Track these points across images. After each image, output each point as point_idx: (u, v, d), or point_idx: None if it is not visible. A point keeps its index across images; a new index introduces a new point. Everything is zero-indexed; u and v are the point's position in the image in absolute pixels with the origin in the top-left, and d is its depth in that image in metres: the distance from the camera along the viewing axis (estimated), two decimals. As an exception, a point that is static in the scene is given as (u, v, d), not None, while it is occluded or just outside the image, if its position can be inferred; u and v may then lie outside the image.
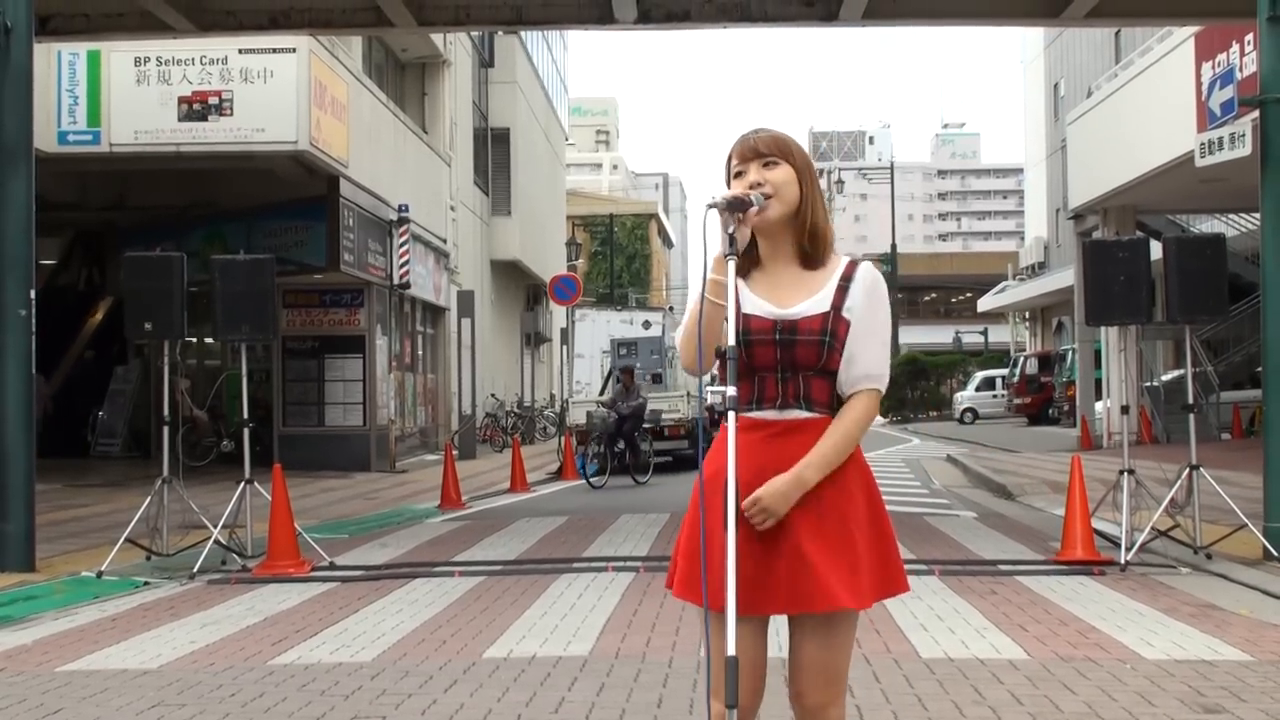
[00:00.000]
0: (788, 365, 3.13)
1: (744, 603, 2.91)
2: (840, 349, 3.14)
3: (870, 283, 3.19)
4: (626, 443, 20.15)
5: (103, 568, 9.78)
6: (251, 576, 9.91)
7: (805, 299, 3.16)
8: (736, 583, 2.83)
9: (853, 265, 3.22)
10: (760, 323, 3.12)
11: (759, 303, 3.14)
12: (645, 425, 20.86)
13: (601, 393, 25.10)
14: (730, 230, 3.05)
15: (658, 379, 24.36)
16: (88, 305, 25.63)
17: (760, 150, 3.19)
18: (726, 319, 3.04)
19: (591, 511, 15.04)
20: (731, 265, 3.05)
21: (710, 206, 3.05)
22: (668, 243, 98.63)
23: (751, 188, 3.14)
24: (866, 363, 3.17)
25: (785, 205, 3.17)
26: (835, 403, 3.18)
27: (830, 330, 3.13)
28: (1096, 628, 7.27)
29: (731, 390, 2.95)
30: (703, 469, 3.15)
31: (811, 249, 3.20)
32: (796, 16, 15.33)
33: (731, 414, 2.95)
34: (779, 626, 3.28)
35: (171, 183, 21.54)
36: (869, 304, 3.18)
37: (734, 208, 3.06)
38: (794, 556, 3.07)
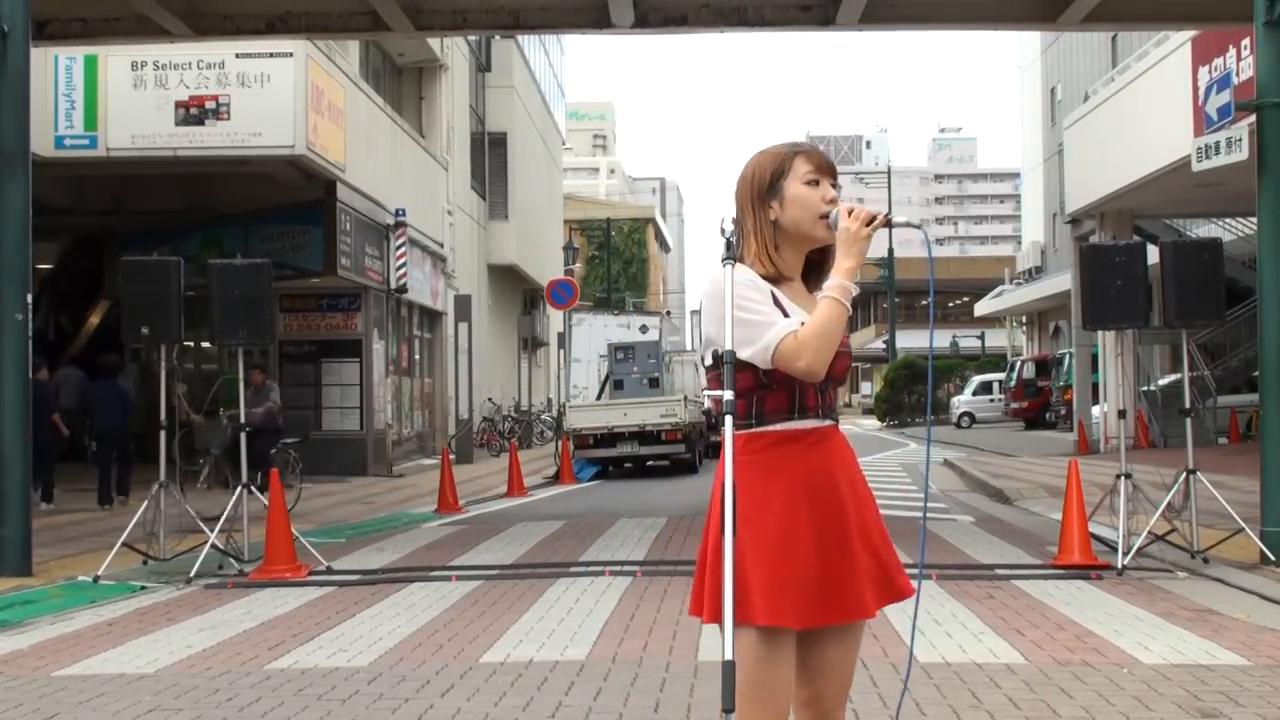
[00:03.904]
0: (828, 375, 3.15)
1: (835, 611, 3.08)
2: None
3: None
4: (252, 461, 15.49)
5: (99, 572, 9.77)
6: (248, 581, 9.90)
7: None
8: (808, 593, 3.01)
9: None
10: None
11: (800, 314, 3.12)
12: (290, 440, 16.17)
13: (599, 397, 25.07)
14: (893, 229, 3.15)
15: (654, 383, 24.36)
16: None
17: (834, 170, 3.25)
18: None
19: (589, 515, 15.04)
20: (730, 270, 3.04)
21: (918, 225, 3.25)
22: (665, 247, 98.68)
23: (829, 202, 3.18)
24: None
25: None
26: None
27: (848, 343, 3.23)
28: (1094, 632, 7.27)
29: (729, 395, 2.95)
30: (733, 488, 2.92)
31: (825, 271, 3.22)
32: (793, 20, 15.34)
33: (729, 418, 2.94)
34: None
35: (169, 187, 21.53)
36: None
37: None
38: (864, 557, 3.13)
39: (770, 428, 3.10)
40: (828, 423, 3.17)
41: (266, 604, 8.89)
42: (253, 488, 14.66)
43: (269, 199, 20.99)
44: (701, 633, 7.09)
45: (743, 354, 3.05)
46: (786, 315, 3.08)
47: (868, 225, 3.09)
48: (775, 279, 3.16)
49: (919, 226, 3.23)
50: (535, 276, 39.89)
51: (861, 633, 3.24)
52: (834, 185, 3.21)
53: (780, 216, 3.18)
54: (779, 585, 3.02)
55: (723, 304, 3.05)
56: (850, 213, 3.11)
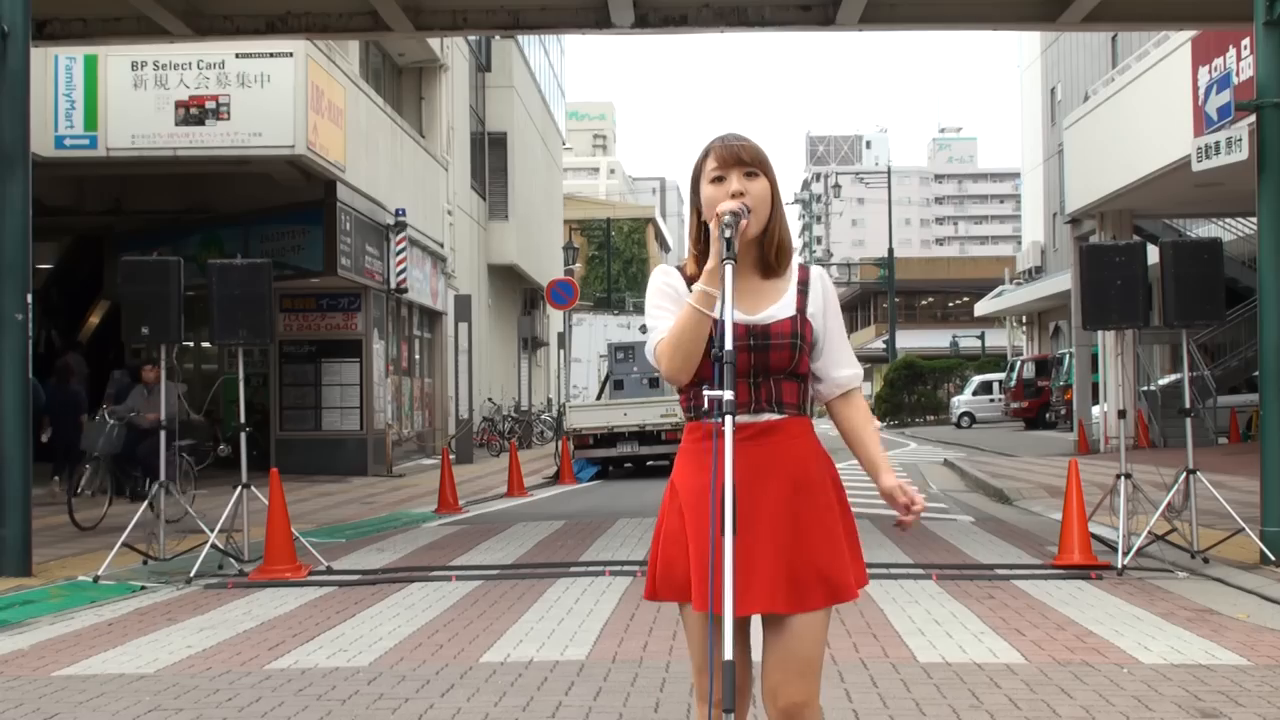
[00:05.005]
0: (760, 369, 3.17)
1: (738, 603, 2.97)
2: (808, 351, 3.23)
3: (826, 287, 3.32)
4: (144, 467, 14.04)
5: (99, 572, 9.77)
6: (248, 581, 9.90)
7: (770, 305, 3.21)
8: (734, 584, 2.89)
9: (804, 270, 3.31)
10: (734, 329, 3.10)
11: (729, 309, 3.13)
12: (184, 444, 14.37)
13: (599, 397, 25.06)
14: (728, 236, 3.05)
15: (654, 383, 24.33)
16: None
17: (743, 159, 3.19)
18: (721, 323, 3.04)
19: (588, 515, 15.05)
20: (729, 270, 3.04)
21: (728, 224, 3.05)
22: (665, 247, 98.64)
23: (734, 196, 3.15)
24: (850, 362, 3.33)
25: (760, 219, 3.21)
26: (804, 403, 3.24)
27: (799, 333, 3.20)
28: (1094, 632, 7.27)
29: (729, 394, 2.95)
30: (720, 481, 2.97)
31: (777, 261, 3.24)
32: (794, 21, 15.34)
33: (729, 418, 2.94)
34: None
35: (168, 187, 21.54)
36: (830, 308, 3.30)
37: (738, 218, 3.10)
38: (785, 554, 3.11)
39: (704, 420, 3.18)
40: (768, 417, 3.17)
41: (266, 604, 8.89)
42: (139, 491, 13.92)
43: (269, 199, 20.99)
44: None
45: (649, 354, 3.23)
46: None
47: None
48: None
49: (730, 226, 3.12)
50: (535, 276, 39.89)
51: (813, 629, 3.16)
52: (752, 175, 3.17)
53: (706, 217, 3.20)
54: (681, 568, 3.13)
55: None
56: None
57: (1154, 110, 21.76)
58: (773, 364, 3.17)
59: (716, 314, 3.06)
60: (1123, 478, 10.13)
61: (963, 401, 49.22)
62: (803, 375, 3.24)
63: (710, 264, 3.06)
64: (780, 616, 3.15)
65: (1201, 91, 19.12)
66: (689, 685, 6.03)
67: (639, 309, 57.40)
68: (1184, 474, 10.21)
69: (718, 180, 3.19)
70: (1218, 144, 13.02)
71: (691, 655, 3.19)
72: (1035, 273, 46.99)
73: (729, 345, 2.98)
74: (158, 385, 14.34)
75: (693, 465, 3.21)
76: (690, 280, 3.21)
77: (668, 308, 3.21)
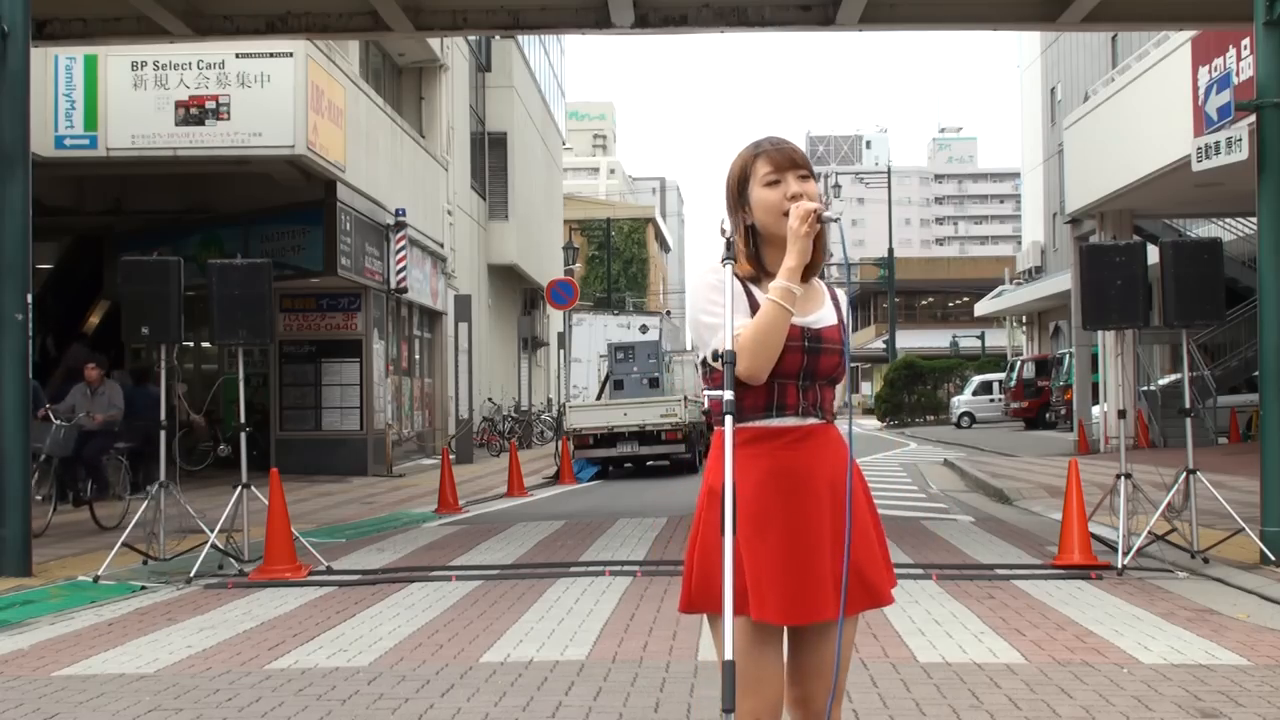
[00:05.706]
0: (809, 373, 3.16)
1: (799, 611, 3.05)
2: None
3: (847, 304, 3.34)
4: (88, 470, 14.11)
5: (99, 572, 9.77)
6: (248, 581, 9.91)
7: (816, 310, 3.21)
8: (790, 591, 3.03)
9: (829, 286, 3.33)
10: (791, 330, 3.11)
11: (729, 310, 3.13)
12: (122, 445, 14.46)
13: (599, 397, 25.06)
14: (818, 236, 3.12)
15: (654, 383, 24.35)
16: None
17: (797, 162, 3.20)
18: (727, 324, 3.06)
19: (588, 515, 15.05)
20: (729, 270, 3.05)
21: (835, 221, 3.12)
22: (665, 247, 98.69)
23: (793, 198, 3.15)
24: None
25: None
26: (833, 410, 3.25)
27: (845, 341, 3.22)
28: (1094, 632, 7.27)
29: (729, 394, 2.95)
30: (728, 482, 2.95)
31: (813, 265, 3.22)
32: (794, 21, 15.35)
33: (729, 418, 2.94)
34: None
35: (168, 187, 21.54)
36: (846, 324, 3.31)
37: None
38: (834, 558, 3.12)
39: (747, 424, 3.13)
40: (811, 421, 3.16)
41: (266, 604, 8.89)
42: (81, 496, 13.80)
43: (269, 199, 20.99)
44: (701, 633, 7.09)
45: (703, 354, 3.17)
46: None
47: (806, 223, 3.08)
48: (756, 279, 3.19)
49: (836, 220, 3.19)
50: (535, 276, 39.89)
51: (848, 635, 3.20)
52: (804, 177, 3.18)
53: (752, 220, 3.20)
54: (750, 580, 3.08)
55: (693, 306, 3.18)
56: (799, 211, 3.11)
57: (1154, 110, 21.75)
58: (821, 369, 3.17)
59: (797, 315, 3.10)
60: (1123, 478, 10.12)
61: (963, 401, 49.18)
62: (836, 383, 3.25)
63: (792, 262, 3.07)
64: (814, 625, 3.16)
65: (1201, 91, 19.12)
66: (689, 685, 6.03)
67: (639, 309, 57.50)
68: (1184, 474, 10.21)
69: (773, 184, 3.18)
70: (1218, 144, 13.03)
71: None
72: (1035, 273, 46.99)
73: (727, 345, 2.99)
74: (100, 385, 14.46)
75: (745, 468, 3.09)
76: (743, 279, 3.19)
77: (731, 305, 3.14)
